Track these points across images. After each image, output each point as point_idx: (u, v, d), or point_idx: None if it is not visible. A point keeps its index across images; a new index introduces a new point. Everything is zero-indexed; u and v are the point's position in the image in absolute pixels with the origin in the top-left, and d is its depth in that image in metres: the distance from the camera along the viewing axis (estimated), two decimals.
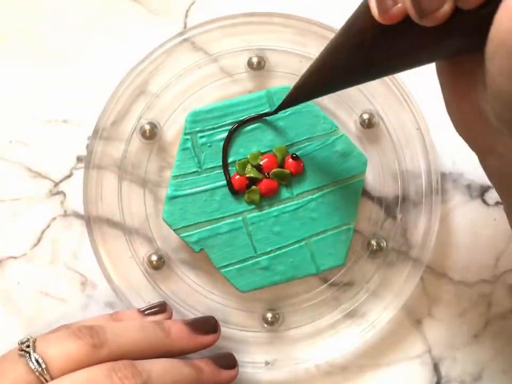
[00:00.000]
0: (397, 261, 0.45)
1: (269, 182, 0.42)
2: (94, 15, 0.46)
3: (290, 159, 0.42)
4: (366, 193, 0.45)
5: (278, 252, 0.43)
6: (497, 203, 0.46)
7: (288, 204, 0.42)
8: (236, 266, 0.43)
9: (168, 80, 0.44)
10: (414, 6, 0.26)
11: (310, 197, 0.43)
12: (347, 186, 0.43)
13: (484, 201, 0.46)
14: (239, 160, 0.42)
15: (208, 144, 0.42)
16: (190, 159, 0.42)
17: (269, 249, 0.43)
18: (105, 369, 0.34)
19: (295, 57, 0.44)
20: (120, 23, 0.46)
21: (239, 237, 0.42)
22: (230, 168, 0.42)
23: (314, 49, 0.44)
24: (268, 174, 0.42)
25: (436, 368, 0.46)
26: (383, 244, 0.44)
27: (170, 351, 0.38)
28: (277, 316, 0.44)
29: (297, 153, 0.42)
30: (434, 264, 0.46)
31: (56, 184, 0.45)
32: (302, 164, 0.42)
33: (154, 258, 0.44)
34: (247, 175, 0.42)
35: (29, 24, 0.46)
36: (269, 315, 0.44)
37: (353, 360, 0.46)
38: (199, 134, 0.42)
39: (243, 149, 0.42)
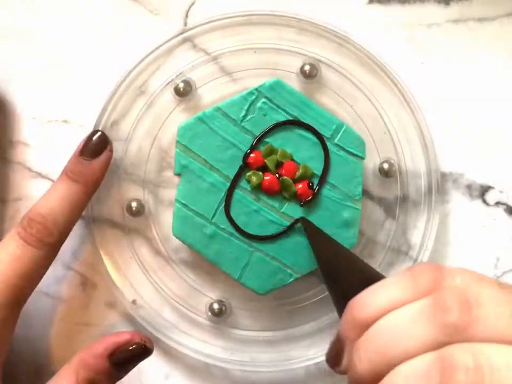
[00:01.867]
0: (397, 261, 0.45)
1: (275, 182, 0.42)
2: (94, 15, 0.46)
3: (306, 185, 0.42)
4: (366, 193, 0.45)
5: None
6: (497, 203, 0.46)
7: (271, 212, 0.42)
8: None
9: (168, 80, 0.44)
10: None
11: (289, 226, 0.42)
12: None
13: (484, 201, 0.46)
14: (272, 146, 0.42)
15: (264, 113, 0.42)
16: (241, 108, 0.42)
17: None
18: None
19: (296, 57, 0.44)
20: (120, 23, 0.46)
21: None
22: (259, 146, 0.42)
23: (314, 49, 0.44)
24: (282, 175, 0.42)
25: None
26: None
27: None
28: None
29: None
30: None
31: None
32: (310, 196, 0.42)
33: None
34: (267, 160, 0.41)
35: (29, 24, 0.46)
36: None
37: None
38: (264, 100, 0.42)
39: (282, 141, 0.42)
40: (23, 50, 0.46)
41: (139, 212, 0.44)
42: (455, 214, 0.46)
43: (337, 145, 0.42)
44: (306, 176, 0.42)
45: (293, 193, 0.42)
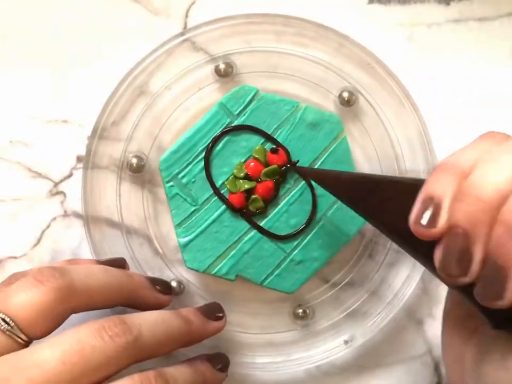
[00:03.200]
0: (397, 261, 0.45)
1: (264, 185, 0.42)
2: (94, 15, 0.46)
3: (271, 154, 0.42)
4: None
5: (305, 241, 0.43)
6: None
7: (291, 194, 0.43)
8: (275, 273, 0.43)
9: (168, 80, 0.44)
10: (442, 268, 0.32)
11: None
12: (335, 150, 0.43)
13: None
14: (227, 179, 0.42)
15: (192, 180, 0.42)
16: (183, 202, 0.42)
17: (296, 243, 0.43)
18: (95, 329, 0.32)
19: (295, 58, 0.44)
20: (120, 23, 0.46)
21: (263, 247, 0.43)
22: (223, 191, 0.42)
23: (315, 50, 0.44)
24: (259, 177, 0.42)
25: (436, 368, 0.46)
26: (309, 311, 0.45)
27: (191, 339, 0.37)
28: (307, 311, 0.45)
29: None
30: None
31: (56, 184, 0.46)
32: (284, 153, 0.42)
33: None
34: (241, 190, 0.42)
35: (29, 24, 0.46)
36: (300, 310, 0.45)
37: (353, 360, 0.46)
38: (179, 176, 0.42)
39: (225, 167, 0.42)
40: (22, 50, 0.46)
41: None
42: None
43: (239, 114, 0.43)
44: (264, 151, 0.42)
45: (280, 171, 0.42)
